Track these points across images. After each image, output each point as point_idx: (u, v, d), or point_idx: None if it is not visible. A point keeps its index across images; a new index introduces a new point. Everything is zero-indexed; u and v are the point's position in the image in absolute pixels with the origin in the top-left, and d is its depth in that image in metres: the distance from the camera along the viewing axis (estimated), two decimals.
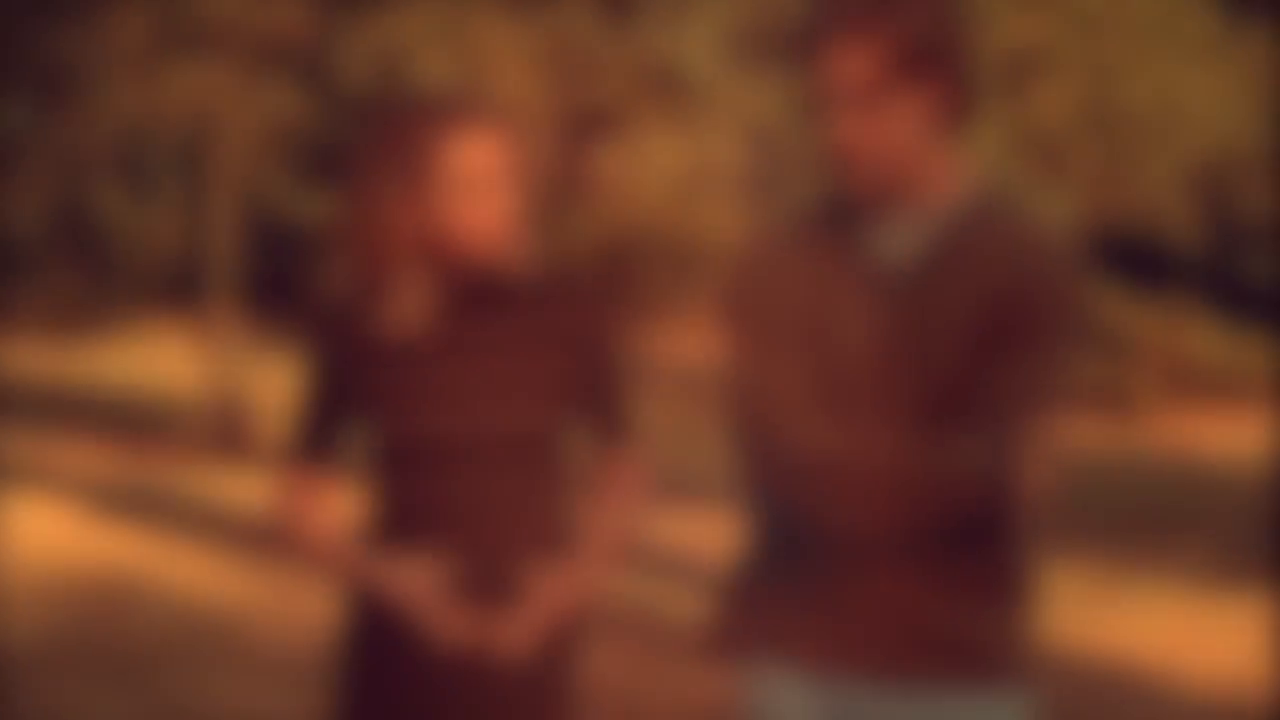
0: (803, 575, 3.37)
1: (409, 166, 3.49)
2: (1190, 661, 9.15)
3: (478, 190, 3.51)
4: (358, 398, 3.61)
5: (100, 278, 16.08)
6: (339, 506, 3.74)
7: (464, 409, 3.56)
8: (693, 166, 25.05)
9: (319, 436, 3.68)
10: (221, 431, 15.21)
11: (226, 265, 15.24)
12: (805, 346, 3.36)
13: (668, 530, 11.12)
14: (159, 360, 21.11)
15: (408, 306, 3.56)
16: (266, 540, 10.51)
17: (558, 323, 3.64)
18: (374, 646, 3.63)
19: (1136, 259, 18.76)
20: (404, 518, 3.60)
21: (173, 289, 16.34)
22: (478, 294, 3.61)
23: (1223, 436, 17.39)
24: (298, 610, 8.67)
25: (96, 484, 12.95)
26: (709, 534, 12.40)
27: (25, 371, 19.88)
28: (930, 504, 3.25)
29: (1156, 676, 8.75)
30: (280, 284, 16.22)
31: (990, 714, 3.38)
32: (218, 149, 14.55)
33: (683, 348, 23.92)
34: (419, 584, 3.52)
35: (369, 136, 3.58)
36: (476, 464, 3.56)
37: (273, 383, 16.28)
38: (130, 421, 16.70)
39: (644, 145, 19.29)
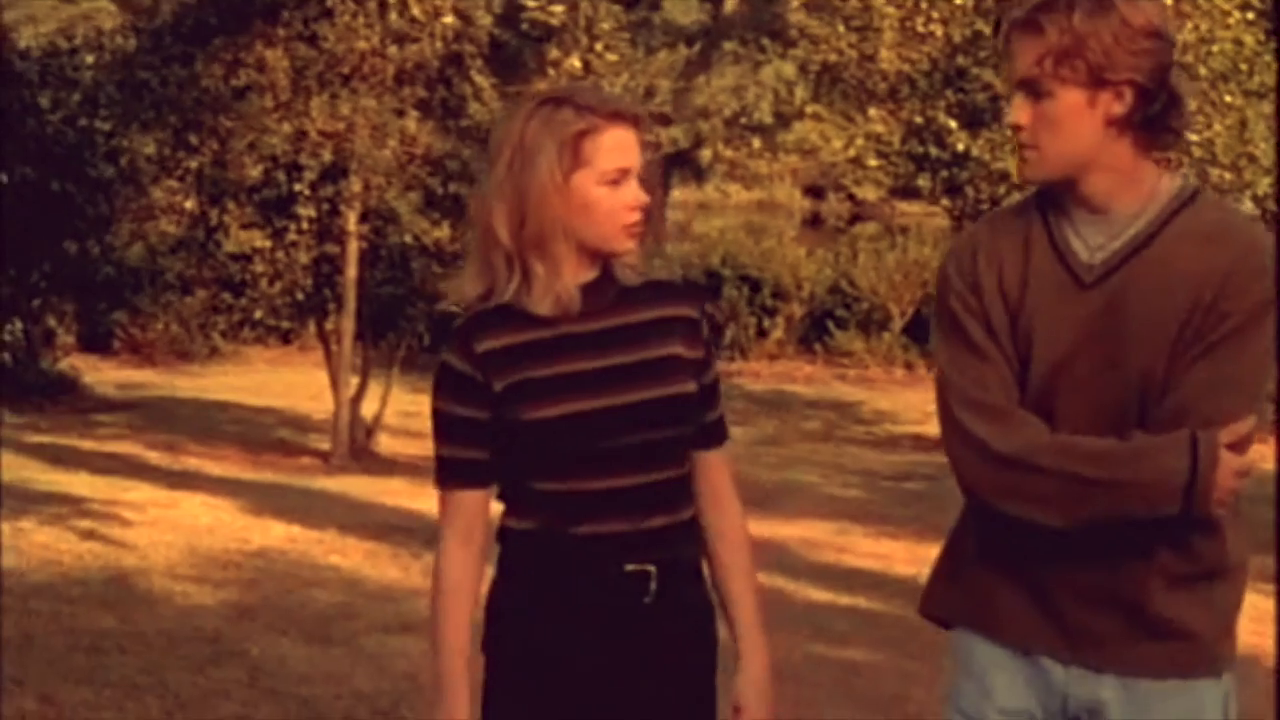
0: (1012, 555, 3.45)
1: (565, 148, 3.49)
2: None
3: (625, 180, 3.54)
4: (500, 393, 3.55)
5: (233, 302, 16.96)
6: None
7: (612, 395, 3.56)
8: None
9: (482, 463, 3.61)
10: (349, 445, 16.21)
11: (353, 290, 16.18)
12: (1014, 339, 3.40)
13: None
14: (289, 379, 22.31)
15: (563, 287, 3.56)
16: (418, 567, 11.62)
17: (670, 317, 3.65)
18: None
19: None
20: (559, 510, 3.58)
21: (303, 311, 17.28)
22: (610, 285, 3.63)
23: None
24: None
25: (248, 486, 14.08)
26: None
27: (169, 389, 21.10)
28: (1129, 493, 3.26)
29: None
30: (399, 306, 17.07)
31: (1194, 704, 3.43)
32: (353, 178, 15.50)
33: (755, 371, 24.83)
34: None
35: (526, 116, 3.56)
36: (628, 453, 3.57)
37: (396, 400, 17.42)
38: (266, 436, 17.87)
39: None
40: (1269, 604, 10.95)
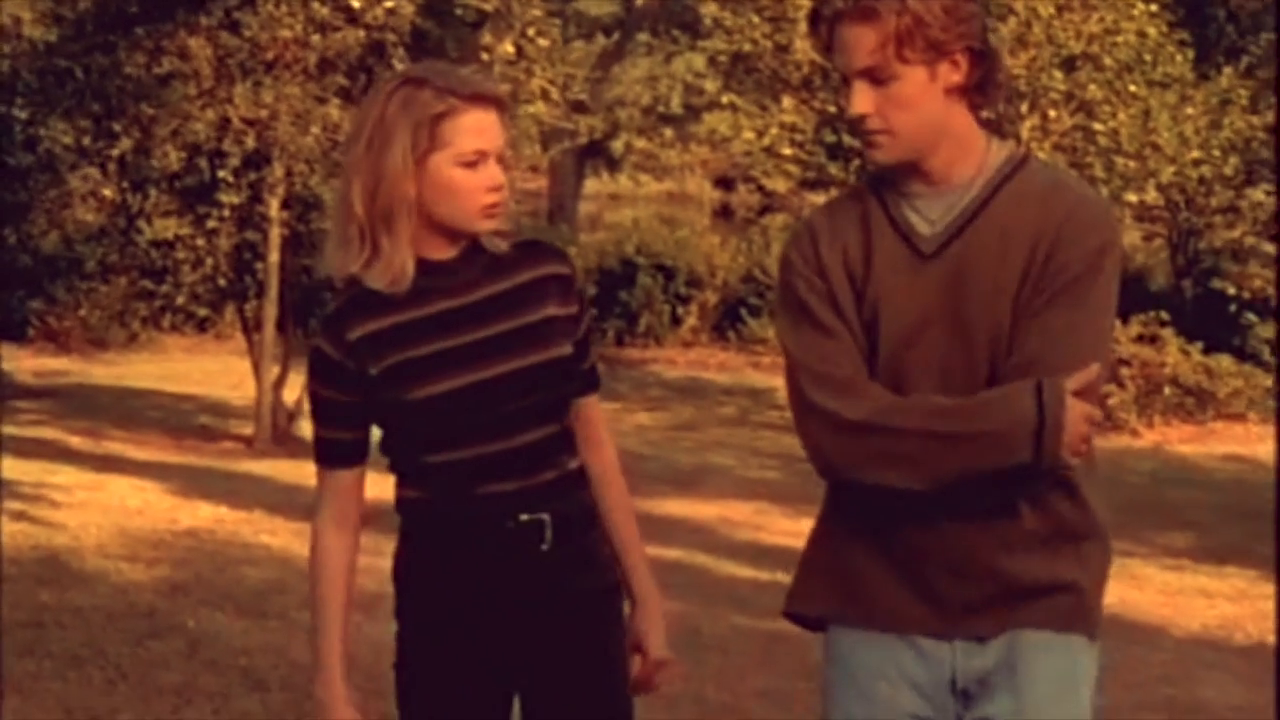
0: (878, 536, 3.47)
1: (422, 129, 3.53)
2: (1179, 612, 10.43)
3: (483, 162, 3.58)
4: (376, 377, 3.63)
5: (155, 288, 17.05)
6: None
7: (486, 368, 3.63)
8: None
9: (353, 444, 3.73)
10: (271, 430, 16.34)
11: (275, 276, 16.31)
12: (861, 318, 3.43)
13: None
14: (207, 367, 22.38)
15: (398, 265, 3.60)
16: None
17: (541, 277, 3.72)
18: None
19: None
20: (443, 477, 3.69)
21: (224, 298, 17.39)
22: (457, 268, 3.68)
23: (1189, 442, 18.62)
24: (379, 567, 9.91)
25: (173, 469, 14.21)
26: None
27: (86, 376, 21.13)
28: (984, 454, 3.30)
29: (1151, 621, 10.04)
30: (320, 292, 17.20)
31: (1070, 661, 3.45)
32: (276, 165, 15.63)
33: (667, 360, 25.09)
34: None
35: (385, 93, 3.61)
36: (514, 418, 3.66)
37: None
38: (187, 422, 17.97)
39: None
40: (1193, 580, 11.26)
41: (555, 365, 3.68)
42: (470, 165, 3.57)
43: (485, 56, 15.73)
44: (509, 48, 15.56)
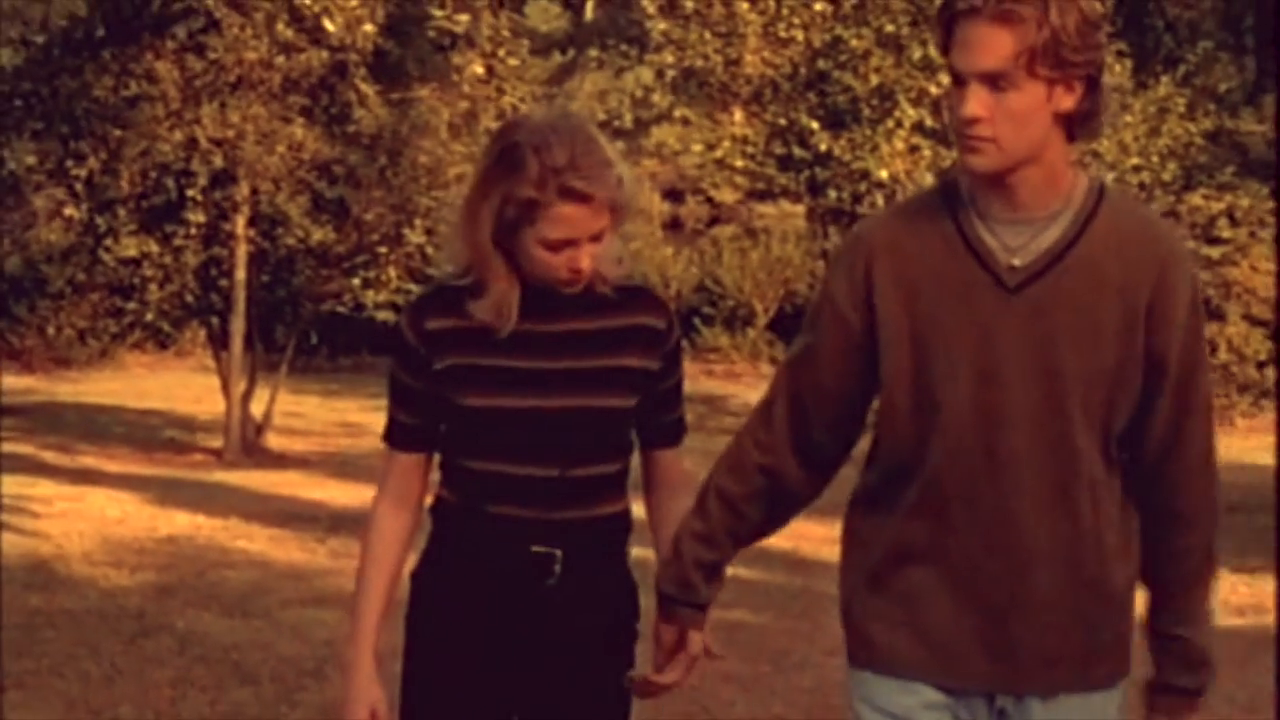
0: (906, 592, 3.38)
1: (510, 205, 3.54)
2: None
3: (568, 246, 3.56)
4: (439, 372, 3.65)
5: (123, 305, 17.34)
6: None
7: (541, 397, 3.61)
8: None
9: (420, 429, 3.73)
10: (240, 442, 16.71)
11: (242, 292, 16.68)
12: (912, 344, 3.31)
13: None
14: (169, 383, 22.70)
15: (502, 302, 3.61)
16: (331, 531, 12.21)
17: (632, 326, 3.68)
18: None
19: None
20: (477, 488, 3.67)
21: (191, 315, 17.71)
22: (555, 296, 3.64)
23: None
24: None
25: (147, 480, 14.58)
26: None
27: (51, 394, 21.43)
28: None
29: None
30: (286, 307, 17.57)
31: (1099, 711, 3.38)
32: (242, 183, 16.01)
33: None
34: (364, 703, 3.67)
35: (503, 139, 3.62)
36: (549, 450, 3.63)
37: (284, 399, 17.92)
38: (155, 436, 18.32)
39: None
40: None
41: (613, 413, 3.66)
42: (554, 249, 3.55)
43: (455, 77, 16.13)
44: (479, 68, 15.97)
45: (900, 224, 3.37)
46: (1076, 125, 3.24)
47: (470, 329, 3.63)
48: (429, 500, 3.80)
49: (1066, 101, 3.20)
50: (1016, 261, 3.24)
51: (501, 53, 16.28)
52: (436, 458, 3.77)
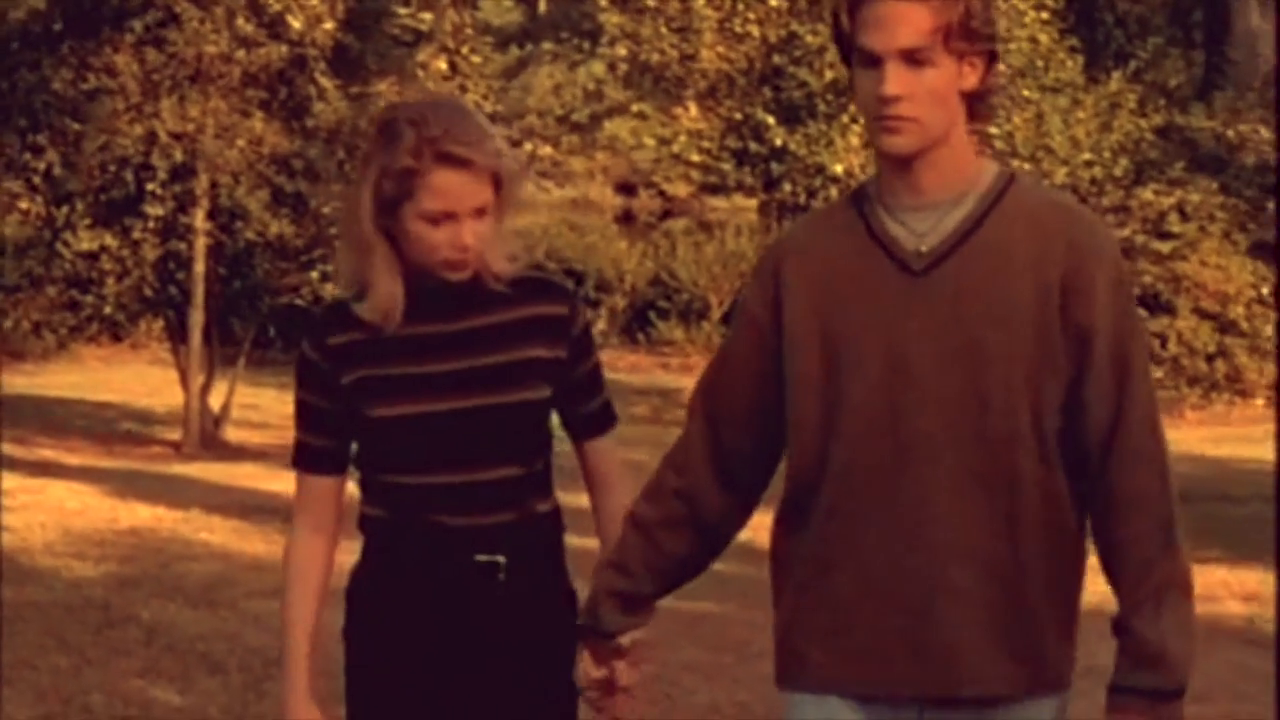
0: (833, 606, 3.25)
1: (388, 179, 3.48)
2: None
3: (447, 221, 3.48)
4: (346, 388, 3.58)
5: (81, 299, 17.37)
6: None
7: (442, 400, 3.55)
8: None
9: (330, 451, 3.65)
10: (199, 434, 16.76)
11: (201, 285, 16.73)
12: (824, 341, 3.22)
13: None
14: (124, 376, 22.70)
15: (385, 299, 3.54)
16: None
17: (533, 317, 3.61)
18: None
19: None
20: (401, 500, 3.61)
21: (149, 308, 17.75)
22: (449, 295, 3.57)
23: None
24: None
25: (107, 473, 14.62)
26: None
27: (5, 386, 21.39)
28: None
29: None
30: (245, 301, 17.62)
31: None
32: (202, 177, 16.07)
33: None
34: None
35: (381, 119, 3.61)
36: (474, 453, 3.57)
37: (244, 392, 17.97)
38: (112, 429, 18.34)
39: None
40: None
41: (526, 407, 3.58)
42: (434, 222, 3.47)
43: (420, 73, 16.23)
44: (442, 64, 16.06)
45: (812, 228, 3.38)
46: (977, 104, 3.18)
47: (371, 341, 3.57)
48: (356, 517, 3.69)
49: (971, 79, 3.15)
50: (924, 247, 3.16)
51: (465, 50, 16.38)
52: (355, 476, 3.70)
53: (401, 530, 3.59)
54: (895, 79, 3.08)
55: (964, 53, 3.11)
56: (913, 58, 3.08)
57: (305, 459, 3.67)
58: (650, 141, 20.75)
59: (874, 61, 3.10)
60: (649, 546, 3.42)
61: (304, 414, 3.66)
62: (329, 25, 15.45)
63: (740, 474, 3.39)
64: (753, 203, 21.65)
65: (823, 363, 3.20)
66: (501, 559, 3.58)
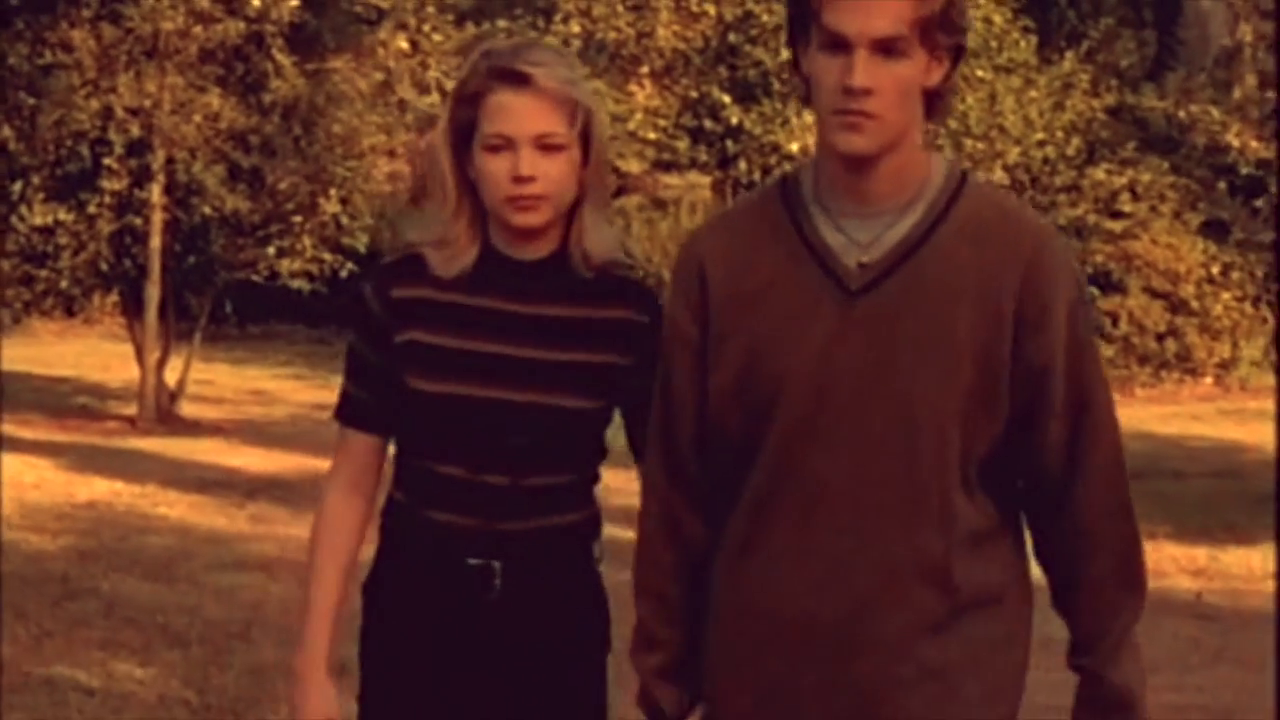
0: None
1: (462, 106, 3.21)
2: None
3: (507, 149, 3.16)
4: (397, 347, 3.27)
5: (36, 273, 17.36)
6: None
7: (496, 388, 3.22)
8: None
9: (375, 407, 3.32)
10: (154, 410, 16.77)
11: (158, 260, 16.75)
12: (748, 361, 2.90)
13: None
14: (78, 350, 22.69)
15: (457, 248, 3.25)
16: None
17: (624, 320, 3.25)
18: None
19: None
20: (422, 490, 3.31)
21: (105, 282, 17.75)
22: (531, 273, 3.26)
23: None
24: (277, 533, 10.53)
25: (62, 447, 14.63)
26: None
27: None
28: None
29: None
30: (201, 275, 17.63)
31: None
32: (159, 152, 16.09)
33: None
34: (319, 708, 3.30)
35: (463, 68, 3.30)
36: (505, 453, 3.23)
37: (199, 368, 17.99)
38: (66, 403, 18.34)
39: None
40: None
41: (582, 416, 3.24)
42: (494, 150, 3.16)
43: (381, 51, 16.28)
44: (403, 42, 16.11)
45: (734, 231, 2.98)
46: (936, 102, 2.88)
47: (435, 303, 3.24)
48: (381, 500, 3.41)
49: (936, 75, 2.84)
50: (865, 258, 2.83)
51: (426, 28, 16.44)
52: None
53: (410, 524, 3.31)
54: (866, 70, 2.75)
55: (937, 46, 2.81)
56: (887, 48, 2.76)
57: (347, 411, 3.35)
58: (604, 117, 20.79)
59: (841, 46, 2.77)
60: (660, 605, 3.09)
61: (352, 363, 3.33)
62: (293, 3, 15.45)
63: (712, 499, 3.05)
64: (706, 180, 21.76)
65: (743, 381, 2.90)
66: (496, 564, 3.26)
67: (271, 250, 16.67)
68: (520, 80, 3.15)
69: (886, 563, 2.84)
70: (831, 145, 2.82)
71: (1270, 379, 19.66)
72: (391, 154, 18.52)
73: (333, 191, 16.53)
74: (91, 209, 16.32)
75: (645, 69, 19.75)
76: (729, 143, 18.71)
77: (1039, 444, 2.87)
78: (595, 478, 3.35)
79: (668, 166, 24.16)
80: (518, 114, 3.15)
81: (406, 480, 3.32)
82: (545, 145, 3.16)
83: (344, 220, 16.80)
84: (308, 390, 18.82)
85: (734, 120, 18.29)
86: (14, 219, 16.58)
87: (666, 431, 3.02)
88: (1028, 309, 2.81)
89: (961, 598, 2.87)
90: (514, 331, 3.23)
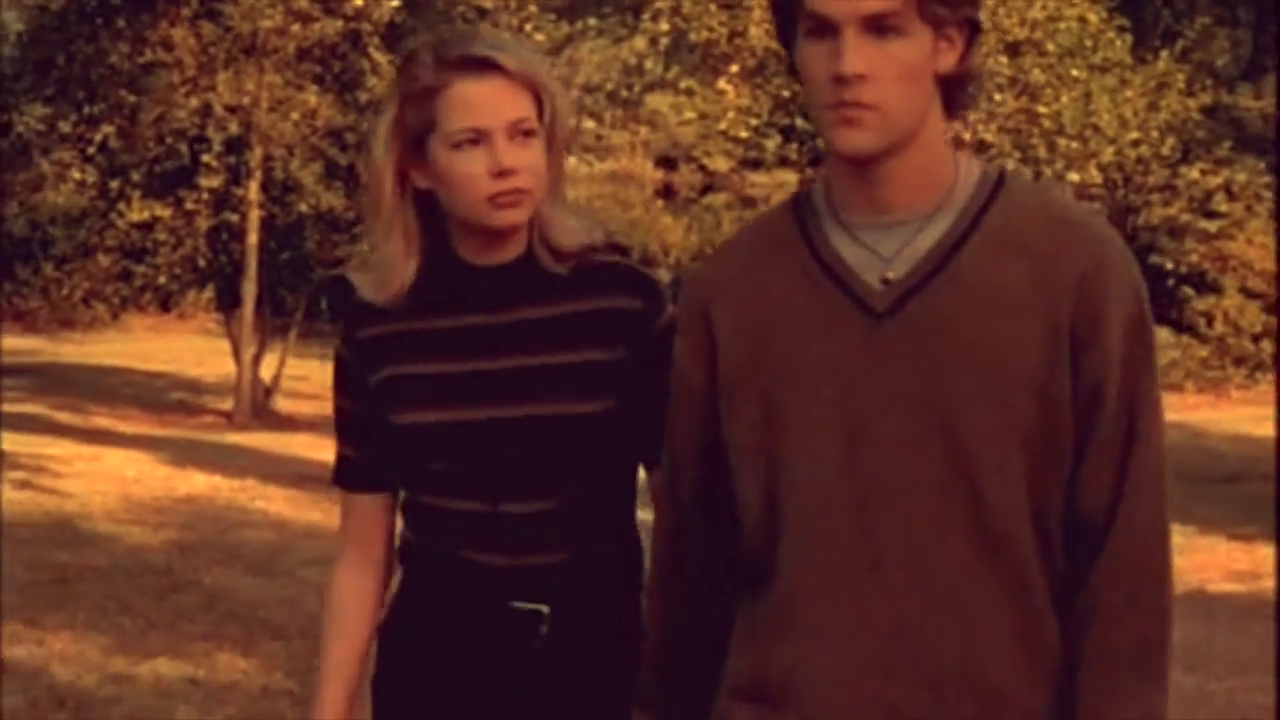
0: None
1: (409, 106, 2.85)
2: None
3: (482, 142, 2.83)
4: (374, 388, 2.95)
5: (135, 268, 17.57)
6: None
7: (482, 407, 2.90)
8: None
9: (370, 464, 2.98)
10: (250, 405, 16.96)
11: (254, 256, 16.94)
12: (761, 403, 2.44)
13: None
14: (173, 346, 22.94)
15: (389, 269, 2.92)
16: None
17: (615, 309, 2.91)
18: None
19: None
20: (420, 530, 2.97)
21: (202, 278, 17.97)
22: (499, 279, 2.93)
23: None
24: None
25: (161, 441, 14.83)
26: None
27: (56, 355, 21.66)
28: None
29: None
30: (297, 271, 17.83)
31: None
32: (256, 149, 16.27)
33: None
34: None
35: (400, 63, 3.00)
36: (513, 476, 2.89)
37: (293, 364, 18.17)
38: (162, 398, 18.56)
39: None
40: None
41: (584, 422, 2.89)
42: (464, 148, 2.82)
43: None
44: None
45: (741, 255, 2.52)
46: (956, 91, 2.43)
47: (402, 334, 2.93)
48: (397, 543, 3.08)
49: (949, 58, 2.38)
50: (891, 274, 2.39)
51: (529, 27, 16.54)
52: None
53: (434, 564, 2.96)
54: (856, 53, 2.31)
55: (942, 21, 2.36)
56: (878, 25, 2.33)
57: (343, 474, 3.03)
58: (690, 114, 20.81)
59: (827, 30, 2.33)
60: (659, 680, 2.63)
61: (341, 424, 3.02)
62: (393, 2, 15.58)
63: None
64: (794, 178, 21.73)
65: (764, 431, 2.43)
66: (545, 609, 2.89)
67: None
68: (483, 66, 2.83)
69: (947, 635, 2.37)
70: (832, 145, 2.38)
71: None
72: None
73: None
74: (189, 205, 16.52)
75: (735, 68, 19.75)
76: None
77: (1080, 479, 2.39)
78: (628, 498, 2.98)
79: (755, 164, 24.16)
80: (486, 102, 2.83)
81: (415, 520, 2.98)
82: (521, 132, 2.83)
83: None
84: None
85: None
86: (113, 215, 16.79)
87: (671, 489, 2.59)
88: (1080, 324, 2.36)
89: (1052, 663, 2.40)
90: (495, 344, 2.91)
